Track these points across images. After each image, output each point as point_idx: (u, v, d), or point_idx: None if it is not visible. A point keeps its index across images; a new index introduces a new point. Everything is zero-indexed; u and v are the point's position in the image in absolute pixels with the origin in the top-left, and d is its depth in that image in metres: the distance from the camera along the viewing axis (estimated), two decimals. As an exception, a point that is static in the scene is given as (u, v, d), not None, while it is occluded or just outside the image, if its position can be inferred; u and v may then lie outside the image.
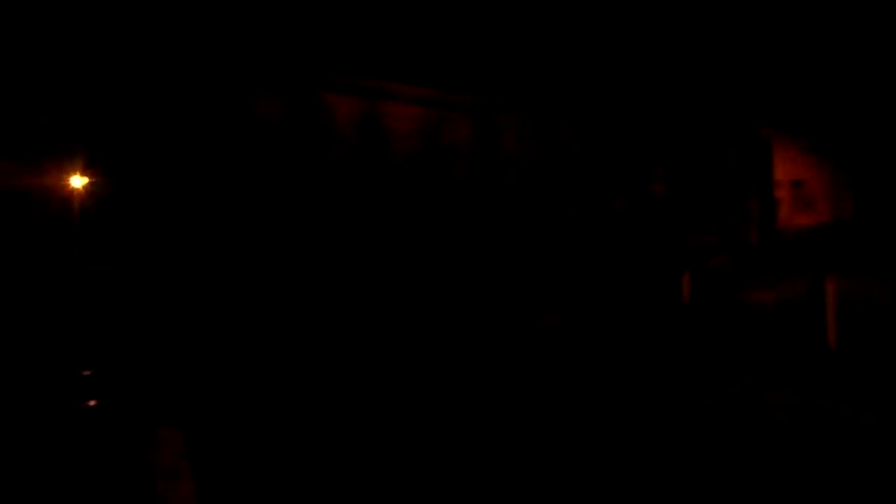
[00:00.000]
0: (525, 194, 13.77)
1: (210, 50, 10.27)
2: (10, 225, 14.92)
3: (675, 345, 8.09)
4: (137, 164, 10.01)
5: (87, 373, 7.38)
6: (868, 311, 9.79)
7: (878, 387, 5.88)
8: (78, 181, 17.10)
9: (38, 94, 9.74)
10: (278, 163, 11.00)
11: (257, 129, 11.03)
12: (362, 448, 4.75)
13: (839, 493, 3.81)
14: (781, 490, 3.88)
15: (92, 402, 6.29)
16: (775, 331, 8.78)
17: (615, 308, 11.10)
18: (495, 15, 18.33)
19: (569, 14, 19.73)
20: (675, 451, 4.50)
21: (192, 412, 5.77)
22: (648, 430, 4.95)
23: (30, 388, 6.76)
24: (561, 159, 14.55)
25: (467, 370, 6.98)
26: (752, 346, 7.97)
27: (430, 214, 12.01)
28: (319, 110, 11.29)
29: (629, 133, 16.25)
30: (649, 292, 12.82)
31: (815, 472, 4.12)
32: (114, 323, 9.97)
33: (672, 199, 16.10)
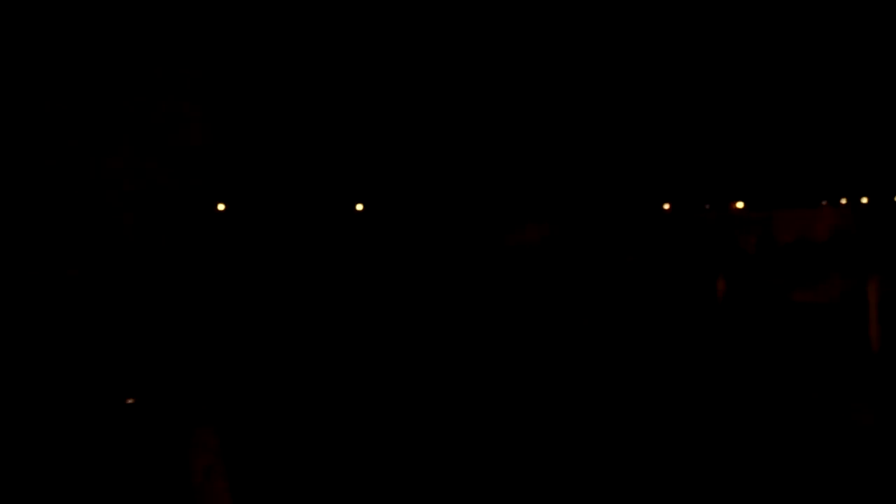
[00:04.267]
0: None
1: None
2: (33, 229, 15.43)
3: (707, 347, 7.94)
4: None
5: (124, 373, 7.54)
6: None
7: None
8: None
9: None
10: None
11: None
12: (389, 445, 4.75)
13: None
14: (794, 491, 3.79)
15: (130, 401, 6.42)
16: (815, 331, 8.57)
17: (644, 309, 10.94)
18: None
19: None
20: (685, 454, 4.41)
21: (227, 412, 5.85)
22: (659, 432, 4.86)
23: (67, 386, 6.92)
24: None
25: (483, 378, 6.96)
26: (790, 346, 7.79)
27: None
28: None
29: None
30: (681, 292, 12.61)
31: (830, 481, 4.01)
32: (150, 323, 10.17)
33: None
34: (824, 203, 28.08)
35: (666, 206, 27.25)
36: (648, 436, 4.85)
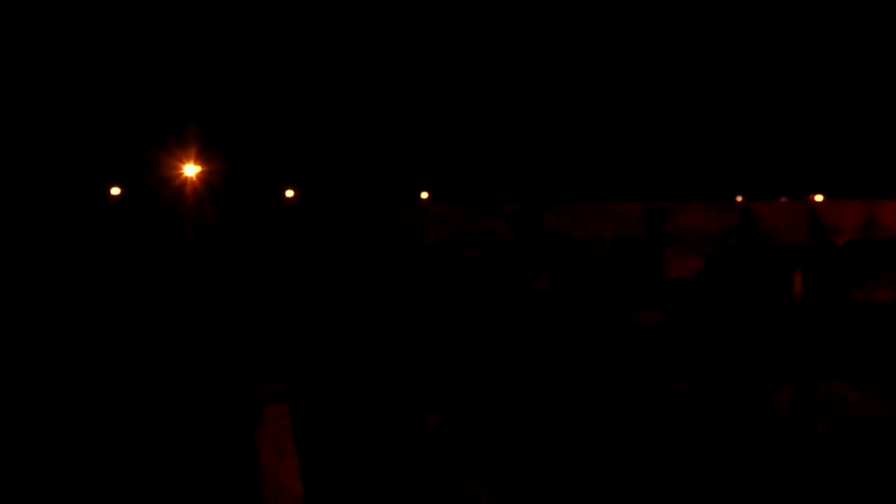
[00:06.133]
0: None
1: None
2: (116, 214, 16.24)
3: (784, 344, 7.63)
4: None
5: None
6: None
7: None
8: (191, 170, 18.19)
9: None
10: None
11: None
12: (457, 430, 4.76)
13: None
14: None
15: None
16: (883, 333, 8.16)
17: (719, 307, 10.60)
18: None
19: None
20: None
21: (298, 390, 5.99)
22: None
23: (142, 364, 7.22)
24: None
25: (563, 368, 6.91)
26: (868, 345, 7.43)
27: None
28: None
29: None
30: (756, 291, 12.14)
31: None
32: (221, 303, 10.54)
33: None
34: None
35: (739, 198, 26.48)
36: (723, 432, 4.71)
